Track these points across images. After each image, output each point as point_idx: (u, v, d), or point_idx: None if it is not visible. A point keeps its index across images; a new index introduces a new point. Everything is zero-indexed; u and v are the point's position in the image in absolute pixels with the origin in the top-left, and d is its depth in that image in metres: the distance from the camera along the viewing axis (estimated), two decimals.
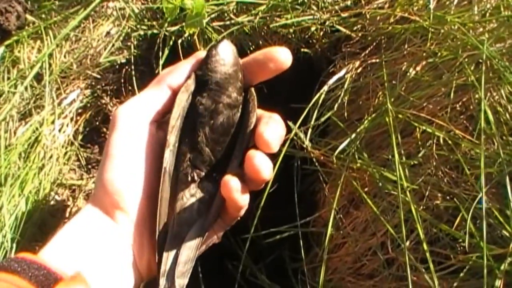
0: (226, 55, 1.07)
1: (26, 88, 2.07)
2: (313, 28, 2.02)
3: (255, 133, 1.02)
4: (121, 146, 1.04)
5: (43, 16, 2.17)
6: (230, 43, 1.09)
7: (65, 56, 2.12)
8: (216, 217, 1.08)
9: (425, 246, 1.47)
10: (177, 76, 1.10)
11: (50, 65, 2.08)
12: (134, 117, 1.07)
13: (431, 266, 1.46)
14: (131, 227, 1.04)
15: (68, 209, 2.11)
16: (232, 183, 0.99)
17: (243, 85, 1.10)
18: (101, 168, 1.05)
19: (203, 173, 1.07)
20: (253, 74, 1.11)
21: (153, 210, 1.03)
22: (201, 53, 1.12)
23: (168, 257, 0.99)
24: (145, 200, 1.04)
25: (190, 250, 1.01)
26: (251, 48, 2.09)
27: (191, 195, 1.06)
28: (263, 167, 0.99)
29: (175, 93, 1.08)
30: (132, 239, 1.04)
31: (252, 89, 1.11)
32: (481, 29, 1.69)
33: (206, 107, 1.06)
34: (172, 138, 1.05)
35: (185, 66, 1.11)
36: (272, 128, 1.02)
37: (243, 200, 1.01)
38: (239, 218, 1.13)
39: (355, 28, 1.96)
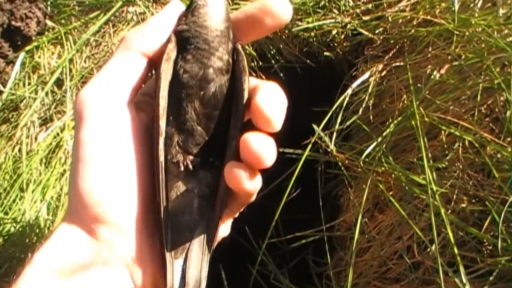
0: (217, 6, 0.86)
1: (46, 94, 2.07)
2: (334, 32, 2.01)
3: (251, 107, 0.80)
4: (94, 143, 0.80)
5: (63, 21, 2.17)
6: None
7: (85, 61, 2.12)
8: (222, 212, 0.86)
9: (455, 249, 1.47)
10: (150, 37, 0.85)
11: (70, 70, 2.08)
12: (104, 101, 0.81)
13: (462, 269, 1.45)
14: (124, 243, 0.80)
15: None
16: (237, 172, 0.79)
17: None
18: (73, 175, 0.80)
19: (198, 159, 0.85)
20: (245, 32, 0.88)
21: (149, 215, 0.83)
22: (177, 4, 0.89)
23: (174, 272, 0.80)
24: (137, 206, 0.82)
25: (198, 261, 0.82)
26: (272, 52, 2.09)
27: (187, 191, 0.84)
28: (263, 153, 0.77)
29: (151, 62, 0.86)
30: (127, 257, 0.81)
31: (240, 47, 0.87)
32: (506, 31, 1.68)
33: (193, 74, 0.83)
34: (164, 123, 0.83)
35: (158, 23, 0.87)
36: (271, 100, 0.79)
37: (254, 186, 0.81)
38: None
39: (377, 31, 1.96)
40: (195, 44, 0.84)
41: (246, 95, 0.84)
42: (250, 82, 0.86)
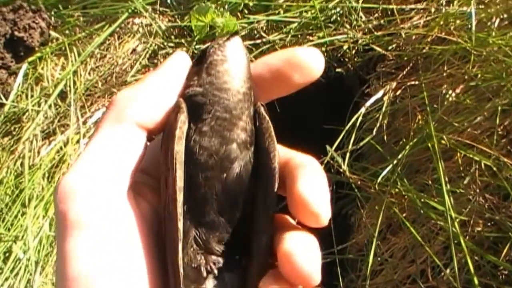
0: (239, 61, 0.69)
1: (50, 107, 2.02)
2: (345, 47, 1.97)
3: (292, 196, 0.61)
4: (88, 255, 0.59)
5: (67, 32, 2.13)
6: (241, 41, 0.71)
7: (89, 74, 2.07)
8: None
9: (475, 278, 1.43)
10: (150, 103, 0.66)
11: (74, 82, 2.04)
12: (97, 193, 0.61)
13: None
14: None
15: None
16: None
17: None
18: None
19: (221, 259, 0.66)
20: (266, 89, 0.71)
21: None
22: (183, 57, 0.71)
23: None
24: None
25: None
26: None
27: None
28: (313, 273, 0.58)
29: (151, 133, 0.68)
30: None
31: (262, 110, 0.70)
32: None
33: (212, 152, 0.66)
34: (182, 223, 0.63)
35: (159, 84, 0.68)
36: (318, 189, 0.61)
37: None
38: None
39: (389, 47, 1.92)
40: (213, 112, 0.66)
41: (277, 177, 0.65)
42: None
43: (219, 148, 0.65)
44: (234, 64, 0.68)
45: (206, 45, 0.75)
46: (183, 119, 0.65)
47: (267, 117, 0.69)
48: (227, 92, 0.67)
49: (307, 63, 0.67)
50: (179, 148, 0.64)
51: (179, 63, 0.69)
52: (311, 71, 0.67)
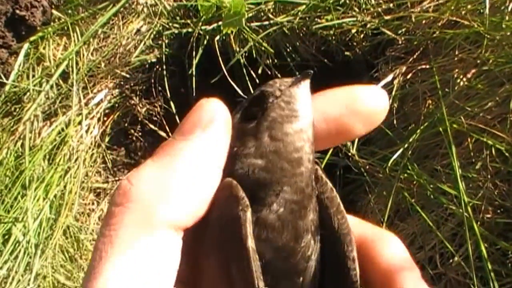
0: (310, 116, 0.53)
1: (51, 87, 1.99)
2: (353, 30, 1.94)
3: None
4: None
5: (70, 11, 2.09)
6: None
7: (92, 54, 2.04)
8: None
9: (488, 264, 1.41)
10: (183, 197, 0.49)
11: (77, 63, 2.00)
12: None
13: (495, 284, 1.39)
14: None
15: (93, 214, 2.03)
16: None
17: None
18: None
19: None
20: (320, 141, 0.55)
21: None
22: (217, 108, 0.52)
23: None
24: None
25: None
26: (288, 50, 2.01)
27: None
28: None
29: (188, 242, 0.50)
30: None
31: (320, 171, 0.55)
32: None
33: (285, 251, 0.51)
34: None
35: (192, 160, 0.50)
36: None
37: None
38: None
39: (399, 31, 1.89)
40: (281, 195, 0.50)
41: (357, 268, 0.52)
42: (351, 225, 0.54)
43: (294, 246, 0.50)
44: (306, 121, 0.52)
45: (260, 89, 0.54)
46: (249, 217, 0.48)
47: (329, 183, 0.54)
48: (300, 165, 0.51)
49: (371, 109, 0.54)
50: (254, 255, 0.47)
51: (216, 119, 0.52)
52: (376, 118, 0.55)
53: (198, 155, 0.50)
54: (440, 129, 1.57)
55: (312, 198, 0.52)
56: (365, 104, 0.54)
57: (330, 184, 0.53)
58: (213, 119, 0.51)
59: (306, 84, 0.54)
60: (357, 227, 0.55)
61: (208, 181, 0.50)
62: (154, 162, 0.50)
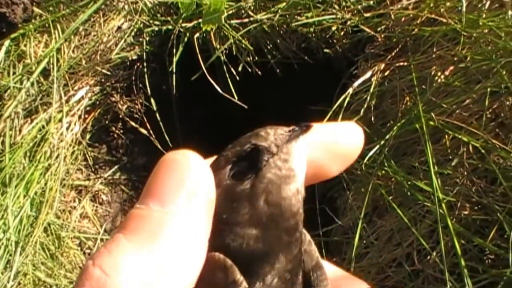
0: (303, 174, 0.50)
1: (32, 84, 1.98)
2: (334, 28, 1.95)
3: None
4: None
5: (51, 8, 2.08)
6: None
7: (73, 51, 2.03)
8: None
9: (462, 260, 1.41)
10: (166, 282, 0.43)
11: (58, 60, 1.99)
12: None
13: (469, 282, 1.40)
14: None
15: (74, 211, 2.03)
16: None
17: None
18: None
19: None
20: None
21: None
22: (196, 164, 0.46)
23: None
24: None
25: None
26: (268, 47, 2.01)
27: None
28: None
29: None
30: None
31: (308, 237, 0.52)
32: None
33: None
34: None
35: (170, 236, 0.43)
36: None
37: None
38: None
39: (378, 29, 1.89)
40: (277, 266, 0.46)
41: None
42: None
43: None
44: (301, 179, 0.48)
45: (251, 141, 0.48)
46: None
47: (307, 234, 0.50)
48: (296, 231, 0.46)
49: (348, 150, 0.53)
50: None
51: (201, 185, 0.45)
52: (352, 158, 0.54)
53: (183, 232, 0.43)
54: (417, 126, 1.57)
55: (301, 262, 0.48)
56: (342, 147, 0.53)
57: (308, 236, 0.50)
58: (197, 185, 0.44)
59: (304, 138, 0.49)
60: (331, 274, 0.53)
61: (196, 261, 0.43)
62: (129, 242, 0.41)
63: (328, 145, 0.52)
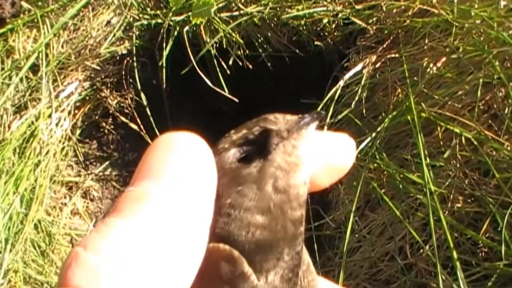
0: (309, 167, 0.48)
1: (21, 80, 1.96)
2: (325, 20, 1.93)
3: None
4: None
5: (40, 3, 2.07)
6: None
7: (62, 46, 2.01)
8: None
9: (454, 253, 1.40)
10: (171, 276, 0.38)
11: (46, 55, 1.98)
12: None
13: (461, 274, 1.38)
14: None
15: (65, 208, 2.02)
16: None
17: None
18: None
19: None
20: None
21: None
22: (196, 146, 0.42)
23: None
24: None
25: None
26: (259, 40, 2.00)
27: None
28: None
29: None
30: None
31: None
32: (507, 24, 1.61)
33: None
34: None
35: (180, 222, 0.40)
36: None
37: None
38: None
39: (370, 21, 1.88)
40: (280, 260, 0.44)
41: None
42: None
43: None
44: (308, 171, 0.46)
45: (260, 125, 0.47)
46: None
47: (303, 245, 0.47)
48: (301, 224, 0.44)
49: (340, 164, 0.51)
50: None
51: (200, 162, 0.42)
52: (343, 171, 0.51)
53: (183, 213, 0.39)
54: (409, 118, 1.56)
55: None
56: (335, 159, 0.50)
57: (305, 251, 0.47)
58: (196, 161, 0.41)
59: (314, 126, 0.47)
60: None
61: (198, 247, 0.40)
62: (128, 224, 0.37)
63: (327, 165, 0.50)
